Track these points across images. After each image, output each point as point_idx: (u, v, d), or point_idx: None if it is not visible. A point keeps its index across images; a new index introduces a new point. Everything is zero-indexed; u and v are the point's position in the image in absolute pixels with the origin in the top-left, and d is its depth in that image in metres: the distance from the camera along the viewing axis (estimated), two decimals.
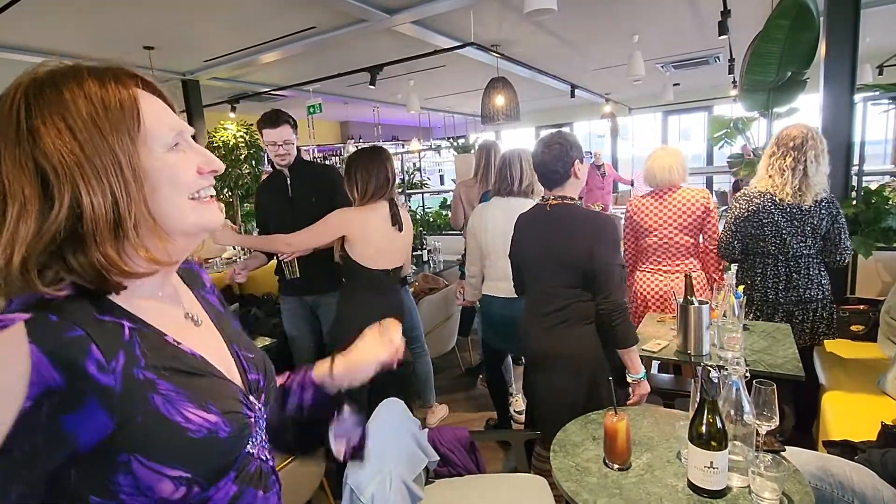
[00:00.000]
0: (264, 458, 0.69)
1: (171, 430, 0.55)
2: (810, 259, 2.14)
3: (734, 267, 2.39)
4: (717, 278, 2.42)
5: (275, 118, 2.29)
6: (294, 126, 2.35)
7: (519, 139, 11.26)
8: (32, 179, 0.50)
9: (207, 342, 0.67)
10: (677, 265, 2.43)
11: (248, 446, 0.66)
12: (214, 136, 6.42)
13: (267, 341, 2.60)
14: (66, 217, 0.51)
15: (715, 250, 2.39)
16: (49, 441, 0.47)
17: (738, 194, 2.26)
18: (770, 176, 2.14)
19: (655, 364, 2.80)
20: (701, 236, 2.43)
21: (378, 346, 0.87)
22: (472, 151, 6.43)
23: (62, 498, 0.52)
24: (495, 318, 2.44)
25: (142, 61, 4.69)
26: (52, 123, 0.51)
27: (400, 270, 2.20)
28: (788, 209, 2.10)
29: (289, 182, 2.40)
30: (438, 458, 1.70)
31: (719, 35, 3.59)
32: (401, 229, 2.10)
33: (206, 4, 3.63)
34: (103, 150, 0.52)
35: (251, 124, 6.73)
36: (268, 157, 6.43)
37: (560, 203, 1.76)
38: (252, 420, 0.66)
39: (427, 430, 1.73)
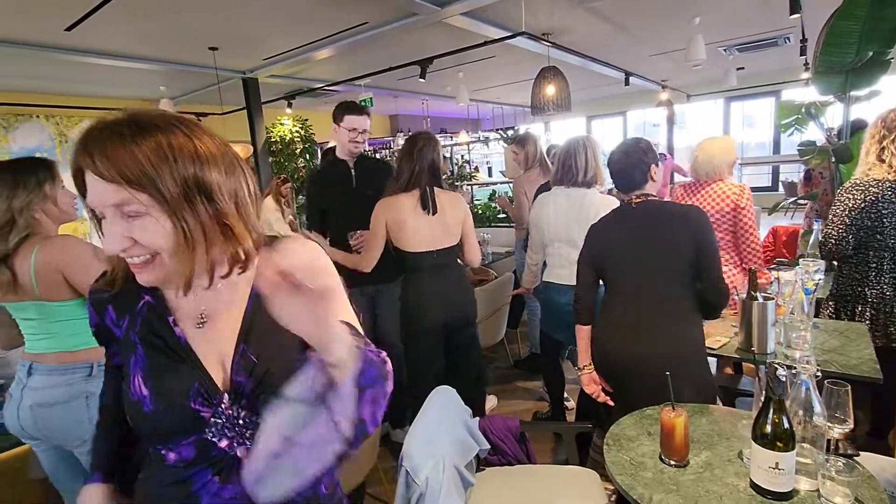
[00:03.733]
0: (233, 452, 0.74)
1: (126, 384, 0.75)
2: None
3: (803, 262, 2.23)
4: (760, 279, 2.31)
5: (360, 106, 2.39)
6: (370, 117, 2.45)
7: (570, 129, 11.00)
8: None
9: (208, 336, 0.76)
10: (732, 259, 2.35)
11: (209, 435, 0.73)
12: (272, 132, 6.70)
13: None
14: None
15: (751, 249, 2.28)
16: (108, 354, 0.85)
17: (847, 185, 2.06)
18: (883, 161, 1.97)
19: (714, 362, 2.70)
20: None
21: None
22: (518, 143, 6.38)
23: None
24: (555, 306, 2.43)
25: (207, 61, 4.96)
26: None
27: (448, 253, 2.20)
28: None
29: (353, 173, 2.47)
30: (489, 446, 1.73)
31: (791, 14, 3.36)
32: (434, 213, 2.12)
33: (264, 6, 3.78)
34: None
35: (306, 119, 6.98)
36: (320, 149, 6.65)
37: (645, 200, 1.73)
38: (206, 415, 0.73)
39: (478, 418, 1.76)
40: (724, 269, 2.34)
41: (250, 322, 0.77)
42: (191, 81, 5.85)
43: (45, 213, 1.40)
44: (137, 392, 0.73)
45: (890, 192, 1.94)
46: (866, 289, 2.05)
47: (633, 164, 1.74)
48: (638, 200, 1.74)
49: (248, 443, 0.74)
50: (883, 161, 1.96)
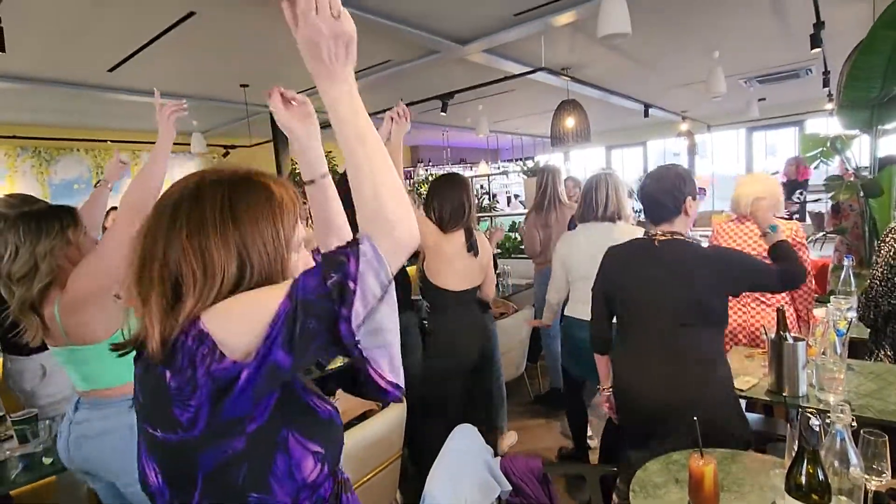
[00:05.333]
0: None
1: (305, 408, 0.72)
2: None
3: (834, 300, 2.13)
4: (807, 316, 2.22)
5: None
6: None
7: (589, 160, 11.04)
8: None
9: None
10: (766, 298, 2.27)
11: None
12: (296, 163, 6.88)
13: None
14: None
15: (804, 289, 2.18)
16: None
17: (892, 226, 1.91)
18: None
19: (743, 403, 2.61)
20: None
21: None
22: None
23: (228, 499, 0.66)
24: (575, 341, 2.41)
25: (237, 97, 5.18)
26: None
27: (476, 290, 2.25)
28: None
29: None
30: (511, 487, 1.70)
31: (812, 48, 3.36)
32: (476, 255, 2.16)
33: (293, 46, 3.95)
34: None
35: (329, 151, 7.16)
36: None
37: (670, 238, 1.59)
38: None
39: (500, 458, 1.73)
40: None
41: None
42: (221, 116, 6.10)
43: (68, 260, 1.41)
44: (324, 407, 0.77)
45: None
46: None
47: (664, 190, 1.59)
48: (662, 238, 1.61)
49: None
50: None
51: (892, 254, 1.85)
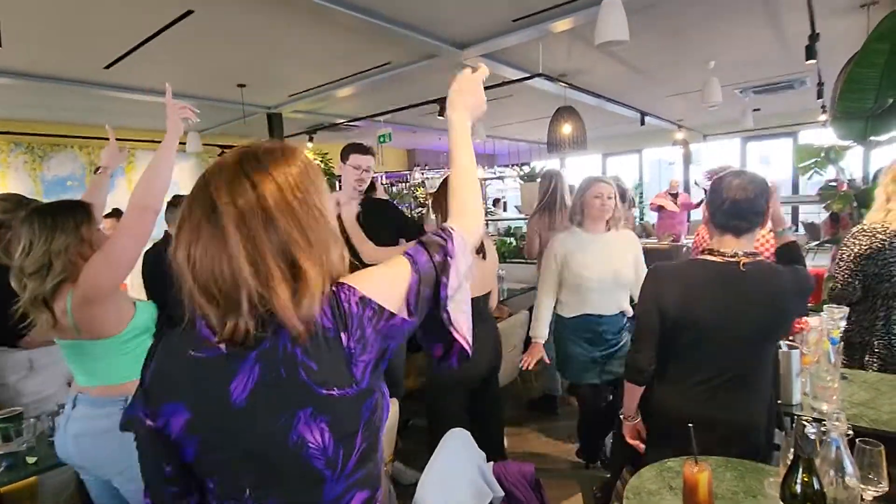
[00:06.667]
0: None
1: None
2: None
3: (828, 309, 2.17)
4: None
5: (365, 147, 2.49)
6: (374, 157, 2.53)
7: (585, 167, 11.08)
8: None
9: None
10: None
11: None
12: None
13: None
14: None
15: None
16: None
17: (855, 230, 2.07)
18: (889, 210, 1.96)
19: None
20: None
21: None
22: (538, 180, 6.43)
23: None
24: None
25: (235, 97, 5.16)
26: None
27: (487, 298, 2.19)
28: None
29: (360, 210, 2.54)
30: (503, 493, 1.68)
31: (806, 60, 3.39)
32: (485, 258, 2.12)
33: (292, 47, 3.96)
34: None
35: (326, 153, 7.15)
36: (338, 182, 6.80)
37: (754, 261, 1.42)
38: None
39: (492, 463, 1.71)
40: None
41: None
42: (218, 116, 6.07)
43: (80, 257, 1.41)
44: None
45: None
46: (874, 338, 2.00)
47: (759, 193, 1.40)
48: (747, 261, 1.40)
49: None
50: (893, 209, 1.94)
51: (850, 258, 2.01)
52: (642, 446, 1.64)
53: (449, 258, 0.81)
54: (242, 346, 0.71)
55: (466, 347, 0.84)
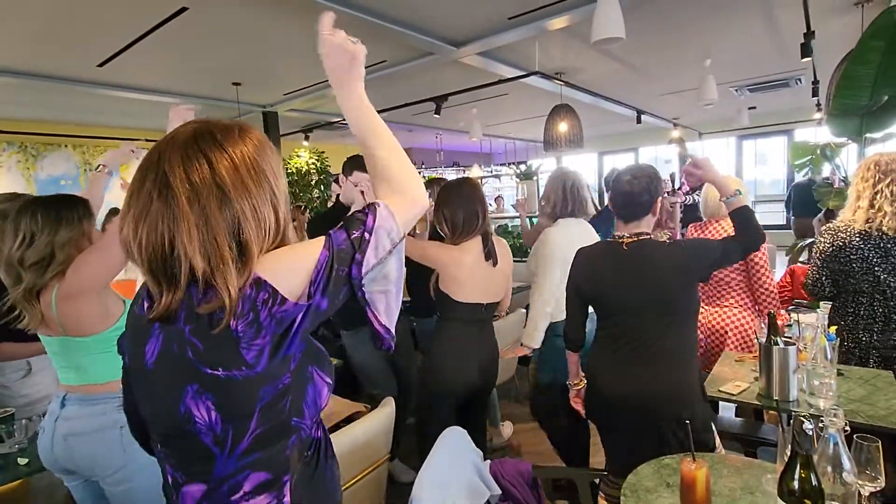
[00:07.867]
0: None
1: (317, 347, 0.82)
2: None
3: (824, 306, 2.19)
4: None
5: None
6: None
7: (582, 164, 11.10)
8: None
9: None
10: (728, 301, 2.35)
11: None
12: (289, 163, 6.85)
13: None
14: None
15: (765, 290, 2.26)
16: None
17: (823, 228, 2.12)
18: (859, 207, 1.97)
19: (733, 408, 2.61)
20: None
21: None
22: (535, 178, 6.42)
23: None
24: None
25: (230, 95, 5.13)
26: None
27: (494, 307, 2.09)
28: (882, 243, 1.92)
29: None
30: (500, 491, 1.67)
31: (802, 58, 3.40)
32: (495, 264, 2.02)
33: (286, 45, 3.93)
34: None
35: (322, 152, 7.14)
36: (334, 181, 6.80)
37: (637, 240, 1.61)
38: None
39: (489, 461, 1.71)
40: (736, 311, 2.32)
41: None
42: (213, 114, 5.97)
43: (78, 251, 1.41)
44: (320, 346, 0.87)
45: (857, 239, 1.94)
46: (845, 333, 2.01)
47: (643, 187, 1.61)
48: (630, 241, 1.61)
49: None
50: (873, 206, 1.94)
51: (817, 255, 2.07)
52: (582, 409, 1.83)
53: (366, 234, 0.75)
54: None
55: (383, 333, 0.80)
